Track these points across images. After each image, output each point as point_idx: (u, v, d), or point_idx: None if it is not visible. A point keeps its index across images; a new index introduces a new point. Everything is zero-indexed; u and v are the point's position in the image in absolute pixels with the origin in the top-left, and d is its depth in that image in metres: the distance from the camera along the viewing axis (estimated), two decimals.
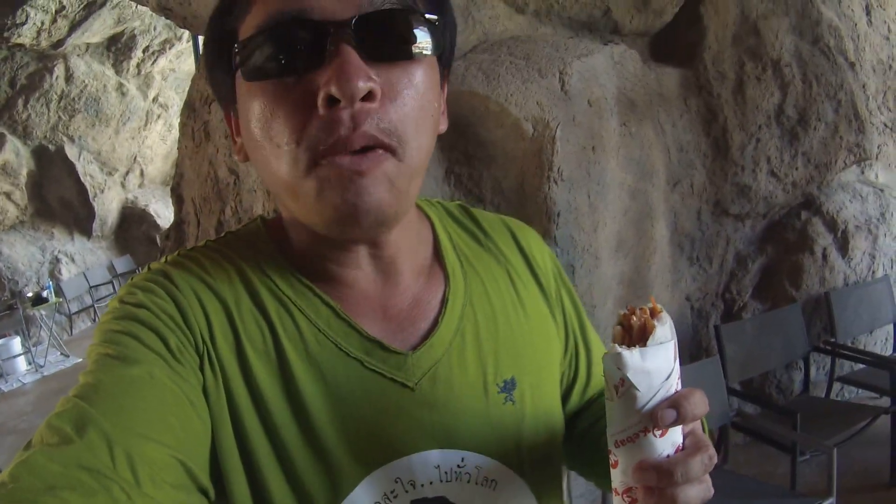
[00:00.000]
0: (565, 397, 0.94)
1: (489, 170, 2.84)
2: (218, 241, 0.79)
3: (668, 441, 0.66)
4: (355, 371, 0.73)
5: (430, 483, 0.74)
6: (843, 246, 4.12)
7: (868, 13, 4.44)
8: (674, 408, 0.64)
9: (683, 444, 0.68)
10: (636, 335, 0.66)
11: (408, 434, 0.73)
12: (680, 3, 3.59)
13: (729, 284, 4.03)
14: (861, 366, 3.95)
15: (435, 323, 0.79)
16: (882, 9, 4.51)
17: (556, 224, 2.78)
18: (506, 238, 0.92)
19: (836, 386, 4.12)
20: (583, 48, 3.08)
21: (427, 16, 0.68)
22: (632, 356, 0.64)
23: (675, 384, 0.67)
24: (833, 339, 3.95)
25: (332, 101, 0.62)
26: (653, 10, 3.50)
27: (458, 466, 0.75)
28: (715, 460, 0.67)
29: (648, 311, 0.68)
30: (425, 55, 0.68)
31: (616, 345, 0.66)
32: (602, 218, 2.97)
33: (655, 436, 0.65)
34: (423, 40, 0.67)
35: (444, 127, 0.78)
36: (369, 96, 0.62)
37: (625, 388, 0.65)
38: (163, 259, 0.77)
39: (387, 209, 0.66)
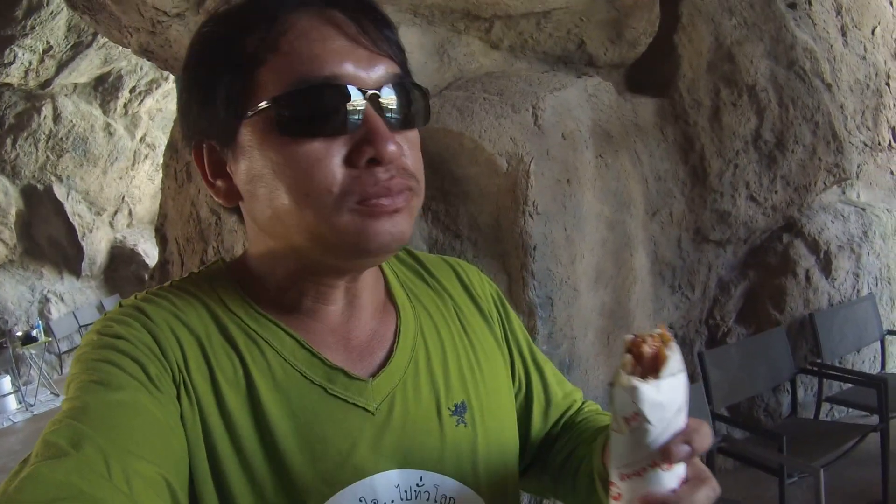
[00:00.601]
0: (527, 420, 1.00)
1: (465, 206, 2.85)
2: (183, 281, 0.83)
3: (674, 475, 0.67)
4: (319, 397, 0.78)
5: (392, 501, 0.78)
6: (826, 266, 4.14)
7: (843, 34, 4.49)
8: (687, 443, 0.66)
9: (685, 475, 0.69)
10: (648, 365, 0.66)
11: (369, 456, 0.78)
12: (653, 34, 3.63)
13: (712, 310, 4.04)
14: (849, 385, 3.96)
15: (390, 352, 0.85)
16: (857, 28, 4.56)
17: (532, 258, 2.79)
18: (448, 275, 1.00)
19: (825, 406, 4.11)
20: (556, 82, 3.11)
21: (424, 88, 0.79)
22: (648, 390, 0.64)
23: (683, 416, 0.67)
24: (819, 360, 3.95)
25: (371, 162, 0.72)
26: (627, 41, 3.53)
27: (417, 486, 0.80)
28: (718, 492, 0.70)
29: (660, 340, 0.67)
30: (426, 123, 0.80)
31: (632, 377, 0.65)
32: (579, 250, 2.98)
33: (663, 469, 0.66)
34: (422, 110, 0.79)
35: None
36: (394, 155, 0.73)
37: (637, 422, 0.64)
38: (132, 297, 0.80)
39: (405, 238, 0.76)
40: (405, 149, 0.75)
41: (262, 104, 0.71)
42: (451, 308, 0.95)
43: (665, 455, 0.65)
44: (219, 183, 0.79)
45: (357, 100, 0.71)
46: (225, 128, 0.75)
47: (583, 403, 1.07)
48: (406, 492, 0.79)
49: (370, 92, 0.72)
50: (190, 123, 0.80)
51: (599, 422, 0.99)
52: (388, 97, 0.73)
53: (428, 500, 0.81)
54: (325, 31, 0.73)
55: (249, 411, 0.75)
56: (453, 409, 0.85)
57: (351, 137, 0.71)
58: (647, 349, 0.66)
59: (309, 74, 0.71)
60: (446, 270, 1.00)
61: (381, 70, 0.74)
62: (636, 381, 0.64)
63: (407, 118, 0.76)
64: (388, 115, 0.73)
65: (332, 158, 0.71)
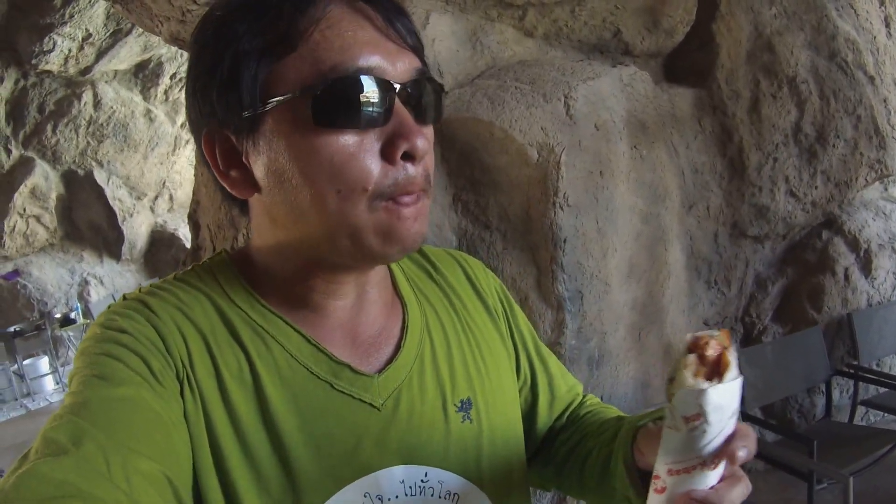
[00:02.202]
0: (532, 415, 1.02)
1: (495, 196, 2.82)
2: (186, 274, 0.82)
3: (717, 473, 0.70)
4: (325, 393, 0.78)
5: (397, 497, 0.79)
6: (866, 266, 4.02)
7: (887, 25, 4.35)
8: (746, 447, 0.69)
9: (724, 473, 0.71)
10: (711, 367, 0.67)
11: (374, 451, 0.78)
12: (691, 23, 3.55)
13: (748, 308, 3.96)
14: (886, 389, 3.84)
15: (397, 349, 0.85)
16: None
17: (562, 250, 2.75)
18: (454, 269, 1.00)
19: (861, 410, 4.01)
20: (590, 71, 3.05)
21: (441, 83, 0.79)
22: (714, 393, 0.65)
23: (735, 420, 0.69)
24: (856, 362, 3.85)
25: (406, 156, 0.72)
26: (664, 30, 3.46)
27: (422, 481, 0.81)
28: (750, 489, 0.72)
29: (721, 343, 0.68)
30: (441, 118, 0.80)
31: (699, 380, 0.66)
32: (611, 243, 2.93)
33: (710, 469, 0.69)
34: (440, 106, 0.79)
35: None
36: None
37: (698, 422, 0.66)
38: (137, 290, 0.80)
39: (423, 239, 0.77)
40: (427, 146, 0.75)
41: (290, 93, 0.70)
42: (456, 303, 0.95)
43: (719, 457, 0.68)
44: (233, 173, 0.76)
45: (388, 93, 0.71)
46: (248, 116, 0.72)
47: (584, 397, 1.09)
48: (411, 487, 0.80)
49: (398, 85, 0.72)
50: (203, 111, 0.75)
51: (605, 414, 1.01)
52: (415, 92, 0.74)
53: (433, 495, 0.81)
54: (355, 21, 0.72)
55: (255, 407, 0.74)
56: (459, 405, 0.86)
57: (382, 131, 0.71)
58: (711, 351, 0.68)
59: (340, 65, 0.69)
60: (452, 265, 1.00)
61: (406, 64, 0.74)
62: (705, 384, 0.65)
63: (428, 114, 0.76)
64: (414, 110, 0.74)
65: (367, 152, 0.70)
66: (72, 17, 6.84)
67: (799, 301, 3.98)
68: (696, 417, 0.66)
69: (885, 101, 4.02)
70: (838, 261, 3.96)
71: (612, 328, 2.98)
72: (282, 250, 0.79)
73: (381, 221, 0.71)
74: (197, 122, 0.77)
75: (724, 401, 0.66)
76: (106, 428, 0.62)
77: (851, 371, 3.81)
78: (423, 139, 0.72)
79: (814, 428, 3.75)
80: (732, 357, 0.67)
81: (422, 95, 0.75)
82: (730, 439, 0.68)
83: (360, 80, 0.69)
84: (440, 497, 0.82)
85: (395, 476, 0.79)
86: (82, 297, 9.20)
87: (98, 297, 9.28)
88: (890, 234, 4.12)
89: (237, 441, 0.73)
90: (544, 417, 1.02)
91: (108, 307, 0.77)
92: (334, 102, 0.69)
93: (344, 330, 0.82)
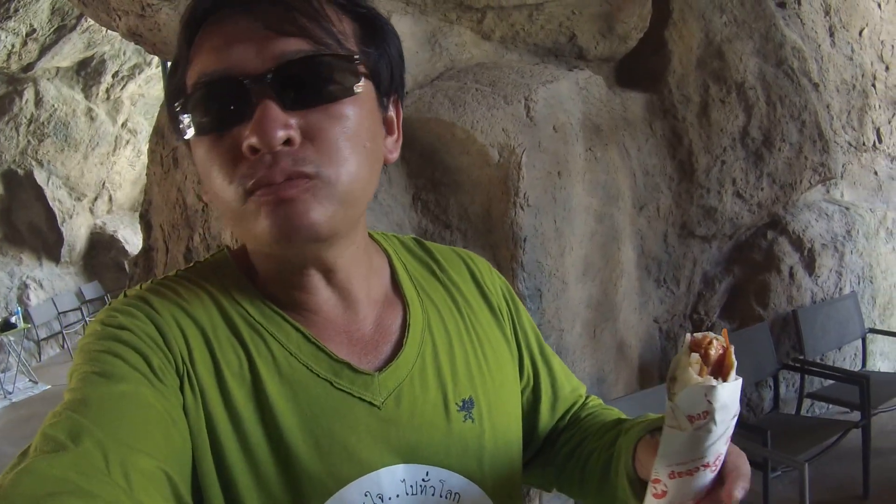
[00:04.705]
0: (534, 415, 1.00)
1: (456, 196, 2.85)
2: (188, 271, 0.83)
3: (716, 474, 0.70)
4: (325, 391, 0.77)
5: (398, 496, 0.78)
6: (810, 264, 4.18)
7: (831, 34, 4.53)
8: (744, 486, 0.70)
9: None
10: (714, 367, 0.66)
11: (375, 450, 0.78)
12: (644, 29, 3.64)
13: (696, 305, 4.07)
14: (830, 382, 3.99)
15: (398, 346, 0.84)
16: (845, 30, 4.61)
17: (522, 249, 2.80)
18: (459, 268, 0.98)
19: (807, 402, 4.16)
20: (548, 74, 3.11)
21: (347, 55, 0.73)
22: (723, 390, 0.64)
23: (735, 423, 0.68)
24: (802, 357, 3.99)
25: (254, 150, 0.69)
26: (618, 35, 3.54)
27: (423, 480, 0.80)
28: (748, 487, 0.71)
29: (723, 344, 0.68)
30: (352, 94, 0.73)
31: (710, 377, 0.65)
32: (569, 242, 2.99)
33: (711, 471, 0.68)
34: (345, 81, 0.72)
35: (394, 156, 0.84)
36: (288, 142, 0.69)
37: (705, 421, 0.65)
38: (137, 287, 0.80)
39: (318, 227, 0.71)
40: (308, 131, 0.70)
41: (179, 104, 0.73)
42: (459, 302, 0.94)
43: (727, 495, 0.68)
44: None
45: (238, 89, 0.69)
46: (179, 129, 0.76)
47: (587, 398, 1.08)
48: (412, 486, 0.79)
49: (258, 73, 0.69)
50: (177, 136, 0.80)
51: (606, 416, 0.99)
52: (283, 79, 0.69)
53: (433, 494, 0.81)
54: (237, 20, 0.71)
55: (255, 404, 0.74)
56: (461, 404, 0.85)
57: (245, 127, 0.69)
58: (714, 351, 0.67)
59: (202, 72, 0.71)
60: (457, 263, 0.99)
61: (277, 50, 0.70)
62: (714, 381, 0.64)
63: (314, 95, 0.71)
64: (288, 96, 0.69)
65: (228, 152, 0.71)
66: (16, 11, 6.64)
67: (746, 298, 4.11)
68: (703, 416, 0.65)
69: (828, 106, 4.20)
70: (783, 260, 4.11)
71: (570, 325, 3.04)
72: (251, 247, 0.82)
73: (253, 215, 0.71)
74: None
75: (729, 400, 0.65)
76: (105, 425, 0.62)
77: (798, 365, 3.95)
78: (283, 129, 0.68)
79: (764, 419, 3.87)
80: (734, 357, 0.67)
81: (302, 77, 0.70)
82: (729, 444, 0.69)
83: (208, 85, 0.70)
84: (441, 496, 0.81)
85: (396, 475, 0.78)
86: (22, 300, 8.93)
87: (38, 300, 9.02)
88: (832, 235, 4.29)
89: (237, 438, 0.72)
90: (546, 418, 1.01)
91: (109, 304, 0.77)
92: (194, 113, 0.72)
93: (338, 328, 0.82)
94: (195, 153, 0.75)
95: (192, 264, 0.84)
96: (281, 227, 0.70)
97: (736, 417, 0.68)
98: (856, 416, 3.62)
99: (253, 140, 0.68)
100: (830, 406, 4.20)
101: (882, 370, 4.54)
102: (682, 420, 0.66)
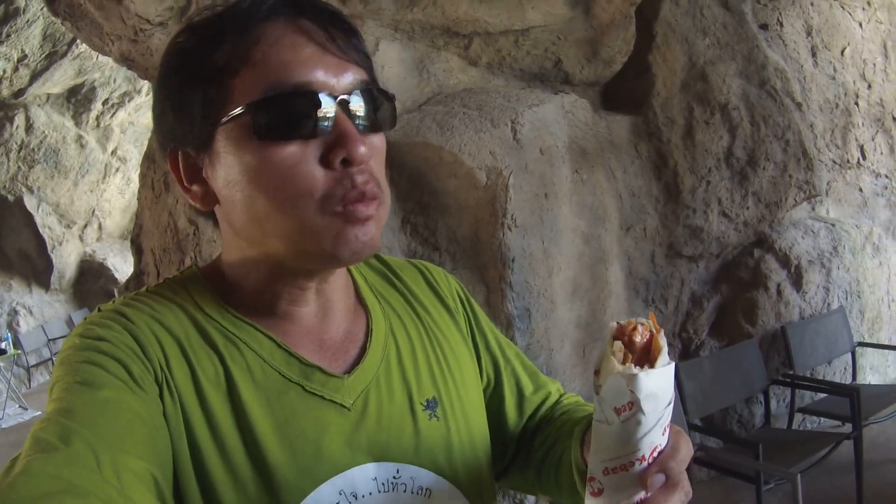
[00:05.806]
0: (501, 415, 1.03)
1: (444, 218, 2.88)
2: (159, 286, 0.85)
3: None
4: (297, 395, 0.80)
5: (370, 494, 0.81)
6: (797, 281, 4.22)
7: (814, 55, 4.61)
8: (663, 472, 0.68)
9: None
10: (640, 354, 0.63)
11: (346, 450, 0.81)
12: (628, 53, 3.70)
13: (685, 324, 4.10)
14: (821, 395, 4.01)
15: (363, 351, 0.88)
16: (827, 49, 4.69)
17: (510, 270, 2.83)
18: (415, 277, 1.03)
19: (798, 417, 4.17)
20: (534, 98, 3.16)
21: (390, 94, 0.82)
22: (646, 379, 0.61)
23: (670, 410, 0.65)
24: (791, 372, 4.01)
25: (344, 162, 0.74)
26: (602, 60, 3.60)
27: (394, 478, 0.83)
28: (690, 496, 0.71)
29: (650, 329, 0.64)
30: (392, 127, 0.83)
31: (631, 365, 0.62)
32: (556, 263, 3.02)
33: (649, 464, 0.65)
34: (389, 114, 0.82)
35: None
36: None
37: (632, 412, 0.62)
38: (111, 302, 0.82)
39: (376, 247, 0.78)
40: (371, 153, 0.77)
41: (237, 111, 0.74)
42: (418, 309, 0.98)
43: (650, 484, 0.65)
44: (195, 188, 0.81)
45: (328, 105, 0.74)
46: (200, 135, 0.78)
47: (561, 396, 1.09)
48: (384, 484, 0.82)
49: (340, 97, 0.75)
50: (165, 131, 0.82)
51: (581, 413, 0.98)
52: (357, 103, 0.76)
53: (405, 491, 0.84)
54: (295, 39, 0.76)
55: (230, 409, 0.77)
56: (425, 403, 0.89)
57: (323, 141, 0.74)
58: (639, 338, 0.63)
59: (280, 82, 0.74)
60: (413, 273, 1.03)
61: (349, 77, 0.77)
62: (635, 369, 0.61)
63: (374, 123, 0.79)
64: (357, 120, 0.76)
65: (309, 161, 0.74)
66: (8, 36, 6.69)
67: (734, 316, 4.14)
68: (629, 407, 0.62)
69: (811, 125, 4.26)
70: (770, 277, 4.15)
71: (559, 345, 3.06)
72: (246, 262, 0.83)
73: (333, 226, 0.74)
74: (162, 143, 0.83)
75: (657, 388, 0.62)
76: (93, 428, 0.64)
77: (788, 380, 3.97)
78: (364, 146, 0.74)
79: (755, 434, 3.89)
80: (663, 341, 0.63)
81: (365, 105, 0.77)
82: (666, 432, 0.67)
83: (294, 96, 0.74)
84: (413, 493, 0.84)
85: (368, 474, 0.81)
86: (11, 327, 8.89)
87: (28, 327, 8.99)
88: (819, 251, 4.33)
89: (214, 443, 0.75)
90: (514, 417, 1.03)
91: (85, 319, 0.79)
92: (272, 117, 0.73)
93: (311, 335, 0.85)
94: (248, 161, 0.76)
95: (161, 281, 0.87)
96: (361, 241, 0.75)
97: (671, 405, 0.64)
98: (846, 428, 3.63)
99: (345, 153, 0.74)
100: (822, 420, 4.22)
101: (872, 383, 4.56)
102: (609, 413, 0.63)
